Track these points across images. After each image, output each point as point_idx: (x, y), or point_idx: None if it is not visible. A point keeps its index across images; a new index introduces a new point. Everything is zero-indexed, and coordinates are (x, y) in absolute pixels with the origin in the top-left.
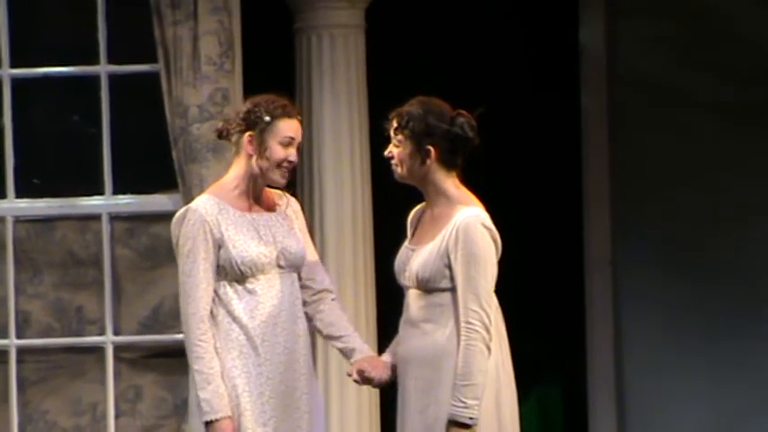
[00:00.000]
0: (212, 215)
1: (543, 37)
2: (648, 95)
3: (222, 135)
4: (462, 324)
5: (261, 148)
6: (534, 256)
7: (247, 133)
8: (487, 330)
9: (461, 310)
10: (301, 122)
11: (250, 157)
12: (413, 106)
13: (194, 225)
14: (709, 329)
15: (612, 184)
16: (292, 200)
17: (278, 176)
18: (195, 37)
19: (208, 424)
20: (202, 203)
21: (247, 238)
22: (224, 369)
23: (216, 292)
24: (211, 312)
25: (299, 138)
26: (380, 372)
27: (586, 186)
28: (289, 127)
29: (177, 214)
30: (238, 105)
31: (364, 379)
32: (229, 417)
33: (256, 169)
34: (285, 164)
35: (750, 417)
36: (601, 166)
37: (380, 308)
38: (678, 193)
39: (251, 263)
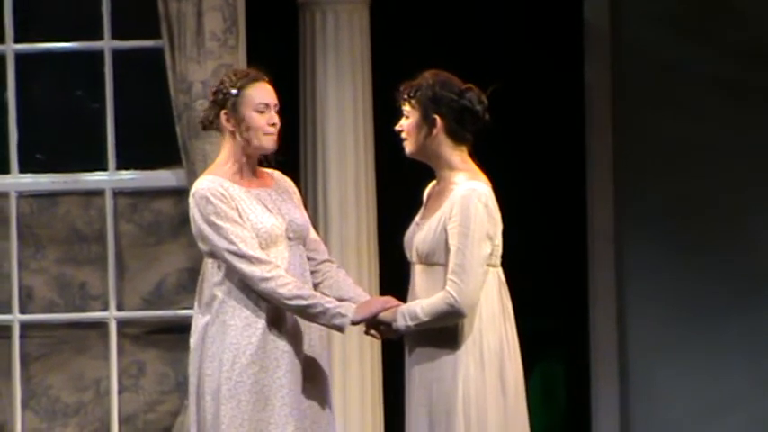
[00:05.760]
0: (226, 190)
1: (547, 12)
2: (652, 71)
3: (206, 126)
4: (443, 289)
5: (238, 121)
6: (537, 233)
7: (222, 112)
8: (462, 302)
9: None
10: (271, 83)
11: (232, 133)
12: (423, 77)
13: (217, 200)
14: (712, 307)
15: (616, 161)
16: (285, 177)
17: (266, 142)
18: (199, 12)
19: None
20: (215, 182)
21: (259, 212)
22: (239, 346)
23: (230, 270)
24: (225, 290)
25: (273, 100)
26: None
27: (590, 163)
28: (258, 92)
29: (195, 200)
30: None
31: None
32: (354, 305)
33: (243, 143)
34: (268, 128)
35: (753, 394)
36: (604, 141)
37: (383, 283)
38: (682, 169)
39: (267, 234)
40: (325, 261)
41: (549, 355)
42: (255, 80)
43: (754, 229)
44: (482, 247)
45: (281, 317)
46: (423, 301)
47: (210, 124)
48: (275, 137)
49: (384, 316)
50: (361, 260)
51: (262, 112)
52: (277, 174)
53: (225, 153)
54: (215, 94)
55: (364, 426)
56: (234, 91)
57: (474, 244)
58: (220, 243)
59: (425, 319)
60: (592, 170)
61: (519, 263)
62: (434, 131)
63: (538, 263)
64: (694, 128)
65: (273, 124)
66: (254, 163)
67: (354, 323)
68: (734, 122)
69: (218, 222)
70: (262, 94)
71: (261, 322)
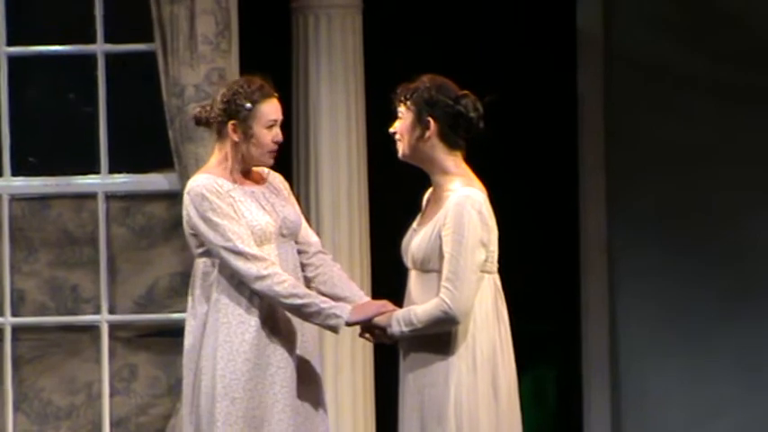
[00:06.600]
0: (221, 186)
1: (541, 18)
2: (645, 76)
3: (200, 122)
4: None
5: (247, 134)
6: (530, 239)
7: (230, 123)
8: (456, 309)
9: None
10: (279, 99)
11: (236, 144)
12: (420, 80)
13: (213, 196)
14: (704, 312)
15: (608, 163)
16: (274, 173)
17: (267, 158)
18: (192, 16)
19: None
20: (209, 180)
21: (253, 209)
22: (233, 344)
23: (223, 269)
24: (218, 289)
25: (281, 117)
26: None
27: (582, 165)
28: (270, 109)
29: (190, 197)
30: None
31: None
32: (351, 306)
33: (244, 154)
34: (272, 146)
35: (744, 399)
36: (597, 147)
37: (376, 289)
38: (675, 175)
39: (261, 231)
40: (317, 253)
41: (542, 360)
42: (269, 96)
43: (747, 235)
44: (476, 254)
45: (274, 314)
46: (417, 308)
47: (206, 123)
48: (275, 154)
49: (379, 320)
50: (354, 266)
51: (269, 128)
52: (268, 171)
53: (220, 156)
54: (227, 103)
55: (356, 427)
56: (248, 105)
57: (468, 251)
58: (216, 240)
59: (419, 325)
60: (584, 176)
61: (511, 269)
62: (427, 134)
63: (530, 269)
64: (687, 133)
65: (277, 142)
66: (249, 166)
67: (349, 325)
68: (727, 127)
69: (215, 219)
70: (273, 110)
71: (254, 320)
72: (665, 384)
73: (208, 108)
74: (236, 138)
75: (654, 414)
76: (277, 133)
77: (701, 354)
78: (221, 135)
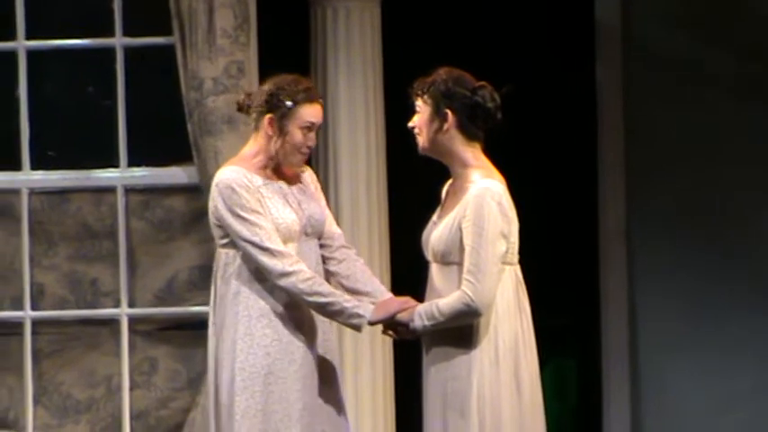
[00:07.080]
0: (249, 181)
1: (559, 11)
2: (663, 69)
3: (242, 109)
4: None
5: (281, 132)
6: (549, 230)
7: (268, 116)
8: (479, 302)
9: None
10: (323, 105)
11: (270, 138)
12: (437, 74)
13: (242, 190)
14: (724, 303)
15: (627, 158)
16: (305, 167)
17: (295, 161)
18: (210, 9)
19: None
20: (239, 173)
21: (280, 206)
22: (254, 337)
23: (246, 261)
24: (239, 282)
25: (319, 121)
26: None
27: (601, 160)
28: (310, 112)
29: (218, 189)
30: (253, 78)
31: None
32: (372, 305)
33: (274, 151)
34: (304, 149)
35: (764, 391)
36: (616, 139)
37: (395, 283)
38: (693, 166)
39: (286, 229)
40: (341, 247)
41: (561, 351)
42: (312, 100)
43: (765, 231)
44: (497, 246)
45: (296, 308)
46: (439, 302)
47: (246, 110)
48: (305, 158)
49: (401, 317)
50: (373, 259)
51: (305, 131)
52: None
53: (254, 147)
54: (269, 96)
55: (376, 424)
56: (289, 103)
57: (488, 243)
58: (242, 234)
59: (442, 319)
60: (603, 169)
61: (531, 263)
62: (446, 126)
63: (550, 261)
64: (706, 126)
65: (309, 146)
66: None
67: (372, 324)
68: (746, 121)
69: (242, 213)
70: (313, 113)
71: (276, 314)
72: (683, 377)
73: (252, 97)
74: (270, 132)
75: (673, 406)
76: (311, 137)
77: (719, 347)
78: (257, 126)
